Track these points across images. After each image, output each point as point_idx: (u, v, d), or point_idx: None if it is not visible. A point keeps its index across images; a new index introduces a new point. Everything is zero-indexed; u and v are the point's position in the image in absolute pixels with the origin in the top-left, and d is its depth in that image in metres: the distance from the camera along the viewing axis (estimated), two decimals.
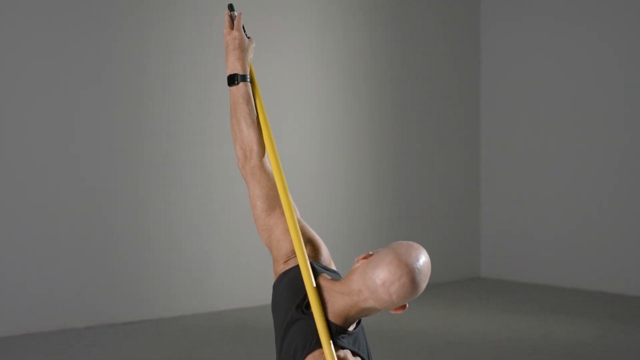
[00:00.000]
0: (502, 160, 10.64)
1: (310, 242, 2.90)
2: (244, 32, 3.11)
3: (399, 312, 2.74)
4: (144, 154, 8.29)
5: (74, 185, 7.92)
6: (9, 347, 7.26)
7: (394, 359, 7.06)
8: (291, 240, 2.87)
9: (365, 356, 2.75)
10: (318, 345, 2.65)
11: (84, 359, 6.94)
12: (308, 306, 2.73)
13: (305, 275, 2.75)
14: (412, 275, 2.66)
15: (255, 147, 2.99)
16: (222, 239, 8.73)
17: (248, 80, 3.03)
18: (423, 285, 2.70)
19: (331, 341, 2.64)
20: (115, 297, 8.12)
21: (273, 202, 2.94)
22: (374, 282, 2.66)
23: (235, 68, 3.01)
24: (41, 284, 7.77)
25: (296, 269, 2.82)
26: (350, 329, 2.73)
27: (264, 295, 8.35)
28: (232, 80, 3.01)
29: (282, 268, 2.88)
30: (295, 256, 2.84)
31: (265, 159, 3.00)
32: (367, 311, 2.71)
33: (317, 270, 2.79)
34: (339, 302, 2.72)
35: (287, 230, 2.89)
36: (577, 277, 10.03)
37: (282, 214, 2.92)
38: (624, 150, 9.73)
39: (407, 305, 2.74)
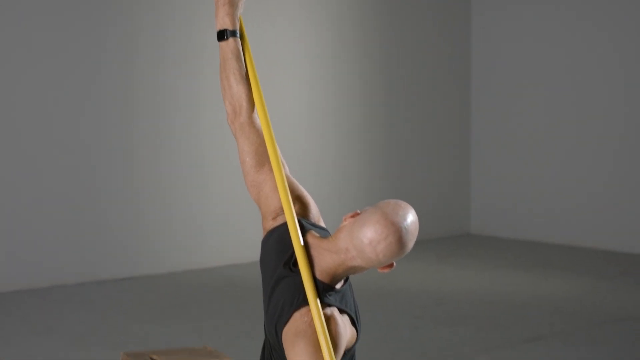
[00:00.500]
0: (494, 117, 10.63)
1: (299, 199, 2.89)
2: None
3: (386, 270, 2.74)
4: (135, 113, 8.26)
5: (64, 144, 7.90)
6: None
7: (383, 315, 7.10)
8: (280, 196, 2.87)
9: (352, 313, 2.75)
10: (305, 302, 2.66)
11: (74, 316, 6.96)
12: (295, 263, 2.74)
13: (293, 232, 2.75)
14: (399, 235, 2.65)
15: (244, 103, 2.97)
16: (211, 197, 8.73)
17: (238, 35, 3.01)
18: (410, 244, 2.70)
19: (318, 299, 2.65)
20: (105, 254, 8.13)
21: (262, 158, 2.92)
22: (361, 241, 2.66)
23: (225, 23, 2.99)
24: (31, 241, 7.77)
25: (285, 226, 2.82)
26: (338, 286, 2.74)
27: (253, 253, 8.38)
28: (222, 35, 2.99)
29: (271, 225, 2.87)
30: (284, 213, 2.85)
31: (255, 115, 2.98)
32: (354, 269, 2.72)
33: (306, 227, 2.79)
34: (327, 259, 2.73)
35: (276, 186, 2.88)
36: (566, 233, 10.07)
37: (271, 170, 2.90)
38: (615, 109, 9.73)
39: (395, 264, 2.75)
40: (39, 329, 6.56)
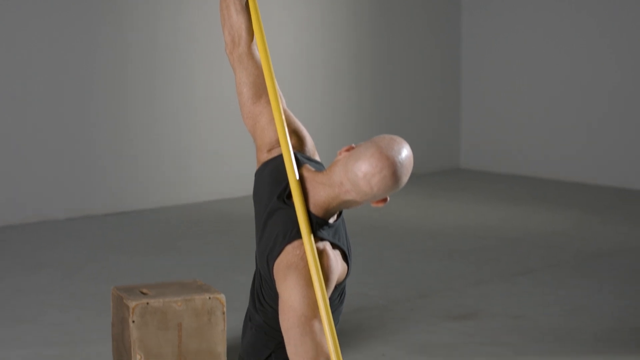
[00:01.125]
0: (484, 51, 10.58)
1: (295, 133, 2.86)
2: None
3: (380, 205, 2.73)
4: (125, 46, 8.19)
5: (52, 80, 7.83)
6: None
7: (374, 249, 7.12)
8: (276, 129, 2.84)
9: (345, 248, 2.75)
10: (298, 235, 2.65)
11: (64, 250, 6.97)
12: (289, 196, 2.72)
13: (288, 165, 2.73)
14: (393, 169, 2.64)
15: (243, 33, 2.92)
16: (202, 130, 8.70)
17: None
18: (404, 178, 2.69)
19: (311, 232, 2.64)
20: (95, 189, 8.11)
21: (259, 90, 2.89)
22: (356, 174, 2.64)
23: None
24: (20, 176, 7.74)
25: (279, 158, 2.80)
26: (331, 220, 2.73)
27: (243, 187, 8.37)
28: None
29: (266, 157, 2.85)
30: (279, 146, 2.82)
31: (254, 46, 2.94)
32: (348, 203, 2.71)
33: (301, 160, 2.77)
34: (321, 193, 2.71)
35: (272, 119, 2.85)
36: (556, 168, 10.07)
37: (268, 102, 2.87)
38: (604, 44, 9.68)
39: (388, 199, 2.74)
40: (28, 265, 6.56)
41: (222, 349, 4.18)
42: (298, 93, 9.25)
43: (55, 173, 7.90)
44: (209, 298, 4.16)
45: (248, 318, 2.87)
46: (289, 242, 2.65)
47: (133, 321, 4.05)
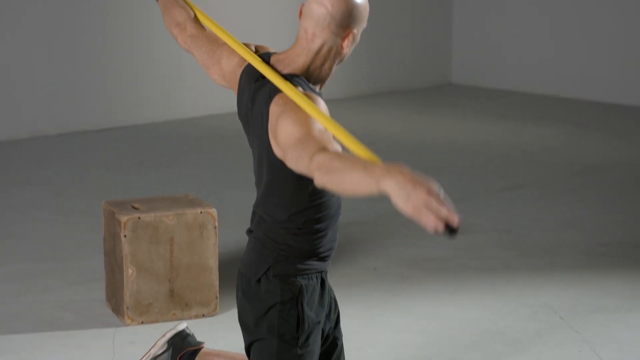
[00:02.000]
0: None
1: (257, 48, 2.96)
2: None
3: (346, 43, 2.76)
4: None
5: None
6: None
7: None
8: (236, 53, 2.92)
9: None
10: (277, 92, 2.69)
11: (55, 167, 6.96)
12: (263, 76, 2.78)
13: (242, 51, 2.83)
14: None
15: (187, 17, 3.09)
16: None
17: None
18: (359, 5, 2.77)
19: (286, 81, 2.69)
20: (87, 104, 8.08)
21: (218, 51, 3.00)
22: (310, 7, 2.74)
23: None
24: (10, 92, 7.70)
25: (246, 64, 2.88)
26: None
27: (235, 102, 8.34)
28: None
29: (239, 72, 2.92)
30: (244, 60, 2.90)
31: (200, 23, 3.08)
32: (321, 55, 2.76)
33: (266, 55, 2.84)
34: (296, 60, 2.76)
35: (231, 52, 2.94)
36: (547, 84, 10.05)
37: (226, 49, 2.97)
38: None
39: (356, 35, 2.79)
40: (19, 181, 6.56)
41: (213, 263, 4.21)
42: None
43: (46, 89, 7.85)
44: (201, 212, 4.18)
45: (249, 231, 2.89)
46: (271, 101, 2.69)
47: (125, 236, 4.06)
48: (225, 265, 4.52)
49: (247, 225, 2.93)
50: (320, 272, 2.86)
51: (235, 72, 2.93)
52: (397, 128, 8.44)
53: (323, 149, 2.45)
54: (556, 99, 9.85)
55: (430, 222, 2.14)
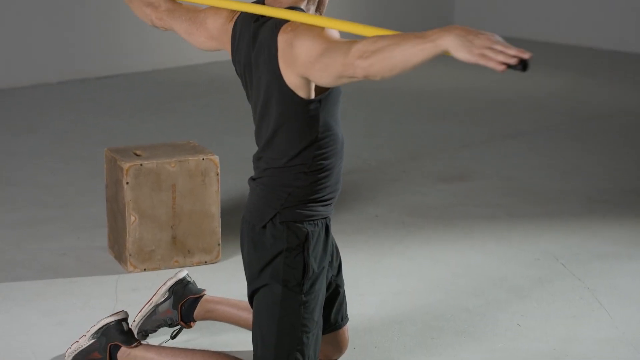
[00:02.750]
0: None
1: None
2: None
3: None
4: None
5: None
6: None
7: (365, 112, 7.11)
8: (221, 11, 2.92)
9: None
10: (282, 23, 2.67)
11: (57, 114, 6.94)
12: (260, 16, 2.77)
13: (235, 4, 2.82)
14: None
15: None
16: None
17: None
18: None
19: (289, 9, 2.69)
20: (87, 51, 8.03)
21: (200, 15, 2.99)
22: None
23: None
24: (12, 40, 7.65)
25: (239, 14, 2.86)
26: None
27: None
28: None
29: (230, 26, 2.91)
30: (236, 11, 2.88)
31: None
32: None
33: (257, 0, 2.84)
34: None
35: (216, 11, 2.93)
36: (551, 30, 9.99)
37: (210, 11, 2.96)
38: None
39: None
40: (20, 128, 6.54)
41: (215, 210, 4.20)
42: None
43: (47, 36, 7.80)
44: (203, 159, 4.16)
45: (252, 179, 2.88)
46: (278, 31, 2.67)
47: (127, 182, 4.05)
48: (227, 212, 4.52)
49: (249, 172, 2.91)
50: (325, 218, 2.85)
51: (224, 27, 2.92)
52: (399, 75, 8.40)
53: (355, 42, 2.45)
54: (561, 45, 9.79)
55: (500, 60, 2.18)
